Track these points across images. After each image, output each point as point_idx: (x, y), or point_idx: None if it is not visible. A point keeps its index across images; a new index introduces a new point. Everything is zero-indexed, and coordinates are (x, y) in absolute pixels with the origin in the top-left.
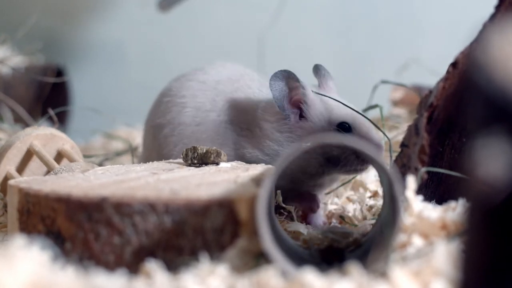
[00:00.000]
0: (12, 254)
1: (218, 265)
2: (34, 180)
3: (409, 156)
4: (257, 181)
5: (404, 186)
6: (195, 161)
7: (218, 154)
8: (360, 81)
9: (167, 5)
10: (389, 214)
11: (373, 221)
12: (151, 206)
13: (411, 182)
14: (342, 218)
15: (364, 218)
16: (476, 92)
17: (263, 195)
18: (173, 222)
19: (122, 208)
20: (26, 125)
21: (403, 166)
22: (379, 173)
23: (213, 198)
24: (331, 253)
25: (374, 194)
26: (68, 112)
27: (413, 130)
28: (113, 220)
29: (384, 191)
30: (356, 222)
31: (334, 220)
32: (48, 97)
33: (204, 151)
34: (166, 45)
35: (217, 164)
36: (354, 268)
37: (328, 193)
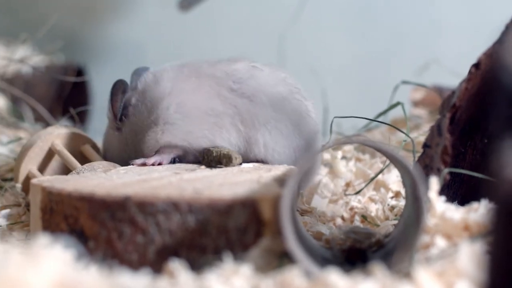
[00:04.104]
0: (36, 253)
1: (242, 264)
2: (57, 179)
3: (432, 156)
4: (280, 181)
5: (427, 187)
6: (213, 164)
7: (230, 159)
8: (381, 82)
9: (188, 5)
10: (412, 215)
11: (395, 222)
12: (174, 205)
13: (434, 183)
14: (364, 217)
15: (386, 218)
16: (499, 92)
17: (287, 195)
18: (196, 222)
19: (146, 207)
20: (47, 124)
21: (426, 166)
22: (401, 173)
23: (236, 198)
24: (354, 253)
25: (396, 195)
26: (88, 111)
27: (436, 130)
28: (137, 219)
29: (406, 192)
30: (378, 222)
31: (356, 218)
32: (68, 96)
33: (220, 153)
34: (186, 45)
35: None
36: (378, 268)
37: (355, 193)
